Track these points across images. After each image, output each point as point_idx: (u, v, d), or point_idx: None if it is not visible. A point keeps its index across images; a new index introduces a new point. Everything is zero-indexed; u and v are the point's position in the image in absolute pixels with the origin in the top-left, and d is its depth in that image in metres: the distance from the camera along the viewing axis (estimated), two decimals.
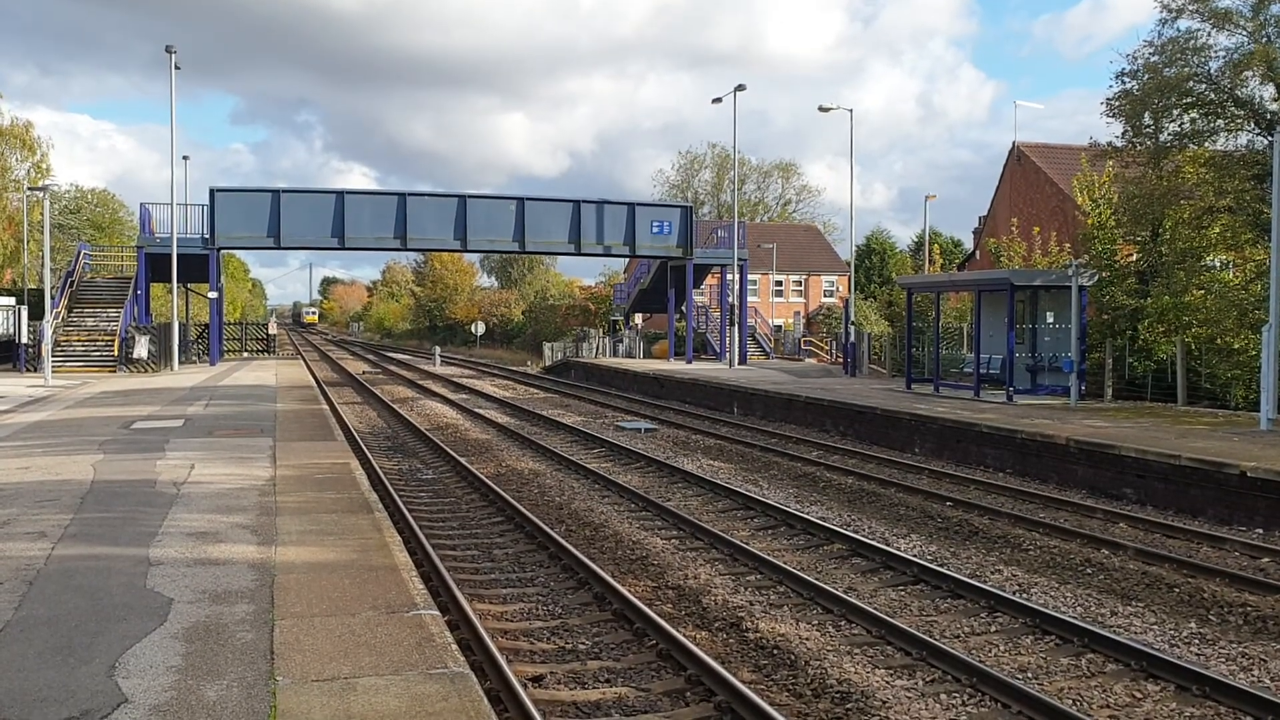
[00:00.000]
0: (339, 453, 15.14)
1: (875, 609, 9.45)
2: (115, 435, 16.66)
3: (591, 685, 7.82)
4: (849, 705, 7.41)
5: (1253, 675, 8.06)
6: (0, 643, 6.22)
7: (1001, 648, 8.68)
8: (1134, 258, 26.97)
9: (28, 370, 33.69)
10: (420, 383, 41.05)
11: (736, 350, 40.39)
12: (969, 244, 54.06)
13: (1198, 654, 8.53)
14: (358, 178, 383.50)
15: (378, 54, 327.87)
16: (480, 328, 73.80)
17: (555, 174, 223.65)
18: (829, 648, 8.62)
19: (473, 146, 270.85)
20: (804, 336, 58.39)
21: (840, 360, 40.04)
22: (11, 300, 37.04)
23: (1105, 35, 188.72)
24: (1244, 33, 22.52)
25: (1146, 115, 23.84)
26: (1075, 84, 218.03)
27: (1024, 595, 10.15)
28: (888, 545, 12.12)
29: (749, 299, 48.83)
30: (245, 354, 50.47)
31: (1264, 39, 22.00)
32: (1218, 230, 23.98)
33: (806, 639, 8.83)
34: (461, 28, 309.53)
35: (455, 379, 43.28)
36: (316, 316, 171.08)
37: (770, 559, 11.22)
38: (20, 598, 7.17)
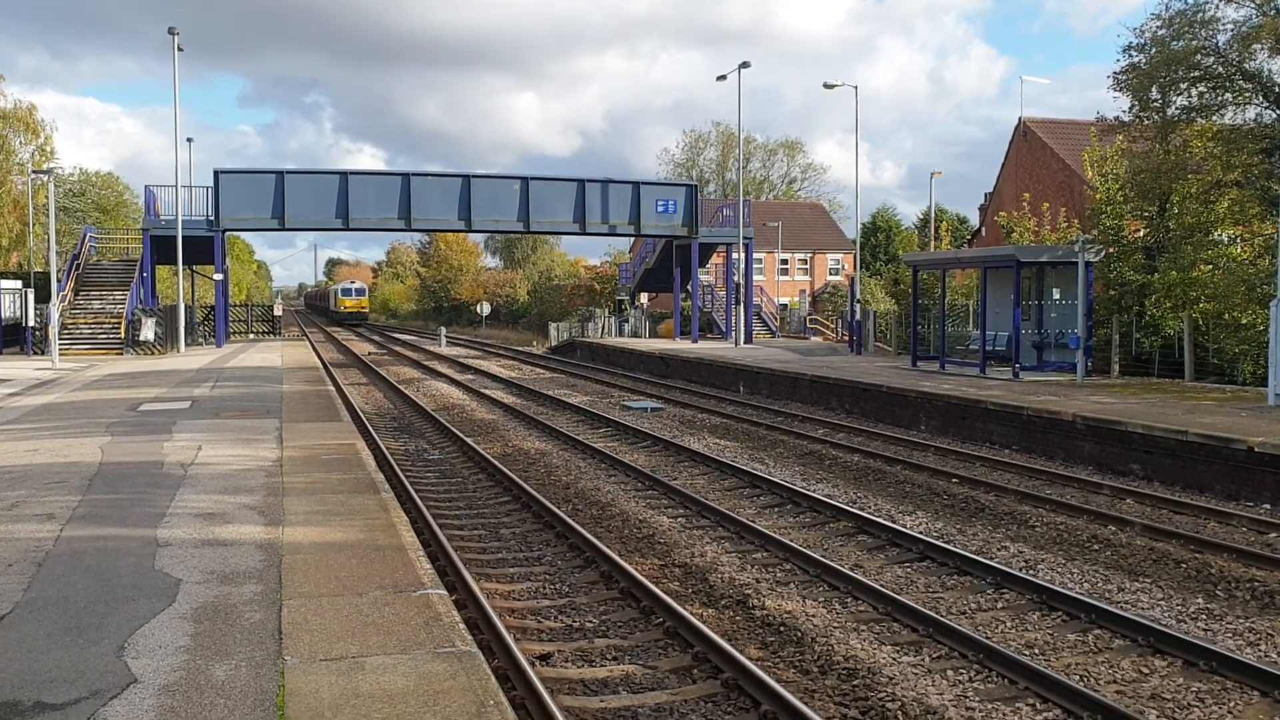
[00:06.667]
0: (345, 433, 15.16)
1: (882, 586, 9.46)
2: (123, 417, 16.70)
3: (599, 663, 7.84)
4: (856, 682, 7.42)
5: (1260, 650, 8.06)
6: (10, 624, 6.25)
7: (1008, 624, 8.68)
8: (1141, 233, 26.84)
9: (35, 353, 33.75)
10: (426, 363, 41.09)
11: (742, 329, 40.33)
12: (976, 221, 53.83)
13: (1205, 629, 8.53)
14: (367, 159, 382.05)
15: (389, 33, 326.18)
16: (485, 308, 73.80)
17: (566, 153, 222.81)
18: (835, 625, 8.63)
19: (484, 126, 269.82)
20: (809, 315, 58.33)
21: (846, 338, 39.99)
22: (18, 283, 37.06)
23: (1118, 10, 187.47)
24: (1252, 5, 22.29)
25: (1154, 89, 23.65)
26: (1087, 59, 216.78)
27: (1031, 571, 10.15)
28: (894, 522, 12.13)
29: (754, 278, 48.76)
30: (251, 336, 50.58)
31: (1273, 11, 21.77)
32: (1226, 205, 23.86)
33: (813, 616, 8.84)
34: (473, 6, 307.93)
35: (461, 359, 43.30)
36: (367, 300, 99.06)
37: (776, 537, 11.23)
38: (29, 579, 7.20)
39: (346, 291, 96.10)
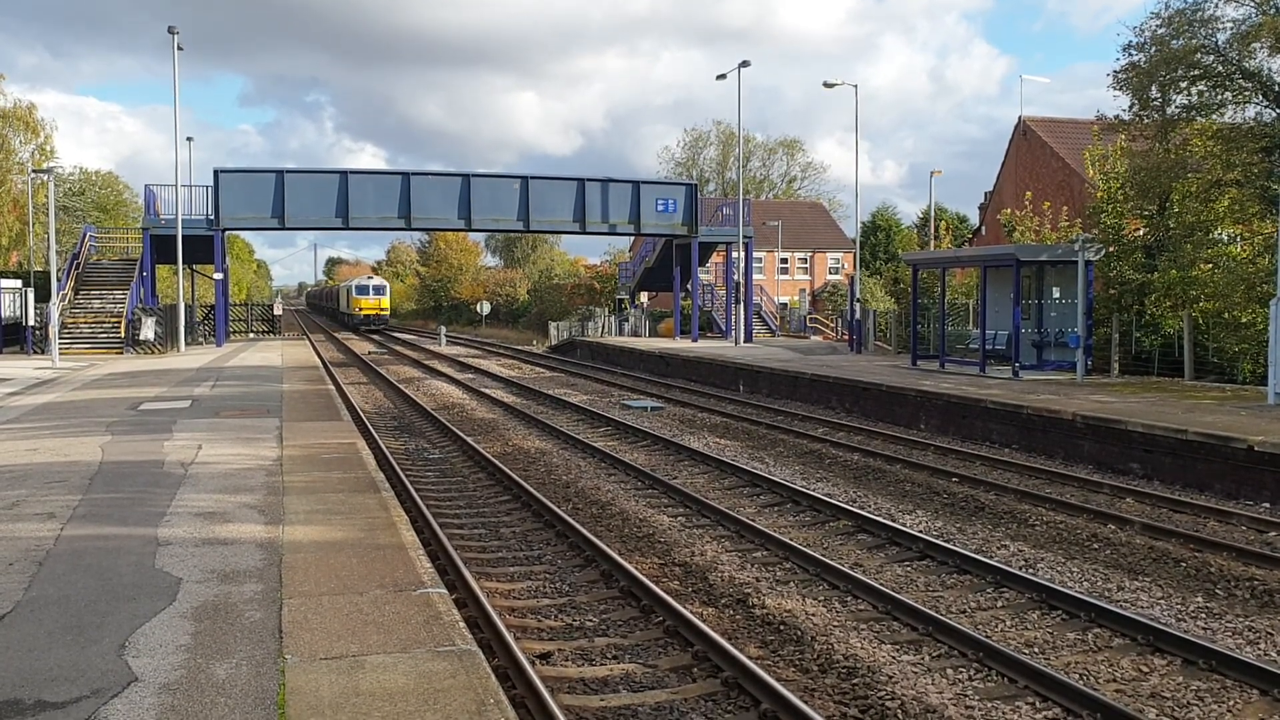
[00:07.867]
0: (345, 433, 15.16)
1: (881, 584, 9.46)
2: (123, 416, 16.70)
3: (599, 662, 7.85)
4: (855, 680, 7.43)
5: (1259, 649, 8.06)
6: (11, 623, 6.26)
7: (1008, 623, 8.69)
8: (1141, 232, 26.85)
9: (35, 352, 33.75)
10: (426, 363, 41.08)
11: (742, 328, 40.35)
12: (976, 220, 53.88)
13: (1204, 628, 8.53)
14: (368, 158, 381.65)
15: (390, 32, 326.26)
16: (485, 307, 73.80)
17: (567, 152, 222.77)
18: (835, 623, 8.64)
19: (484, 126, 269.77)
20: (809, 314, 58.39)
21: (846, 337, 40.00)
22: (18, 283, 37.06)
23: (1119, 9, 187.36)
24: (1252, 4, 22.31)
25: (1154, 88, 23.65)
26: (1087, 57, 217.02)
27: (1030, 570, 10.15)
28: (894, 521, 12.13)
29: (754, 277, 48.78)
30: (251, 335, 50.64)
31: (1272, 10, 21.78)
32: (1225, 204, 23.86)
33: (813, 615, 8.84)
34: (474, 6, 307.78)
35: (461, 359, 43.30)
36: (388, 301, 79.26)
37: (776, 535, 11.23)
38: (30, 578, 7.21)
39: (363, 290, 76.30)
